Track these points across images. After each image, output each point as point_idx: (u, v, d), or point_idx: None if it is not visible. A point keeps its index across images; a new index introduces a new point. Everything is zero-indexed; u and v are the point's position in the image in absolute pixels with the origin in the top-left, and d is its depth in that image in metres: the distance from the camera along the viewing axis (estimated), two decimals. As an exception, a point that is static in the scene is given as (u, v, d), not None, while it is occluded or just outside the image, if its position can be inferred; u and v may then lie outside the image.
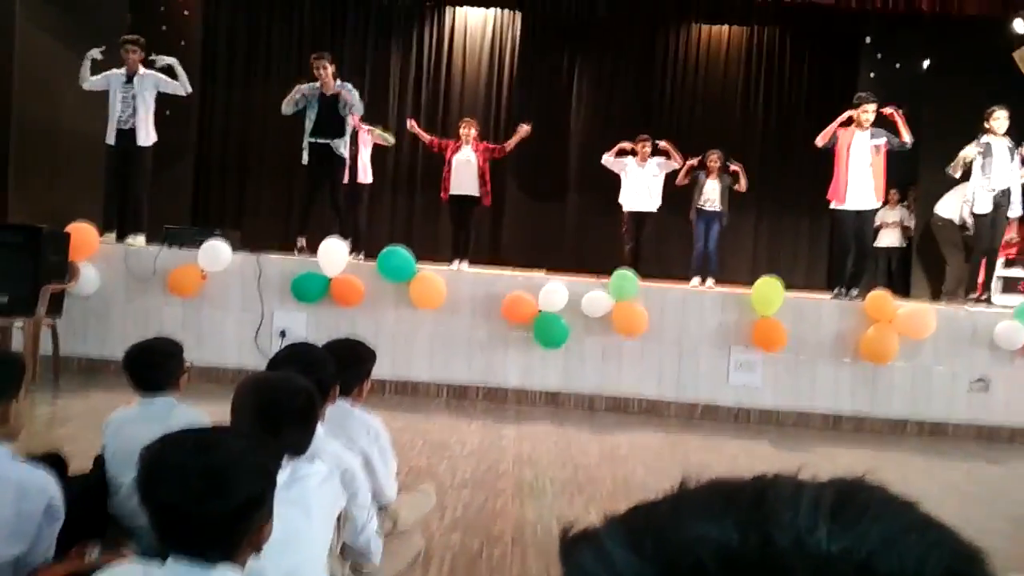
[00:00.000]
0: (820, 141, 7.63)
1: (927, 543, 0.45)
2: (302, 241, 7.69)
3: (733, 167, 8.68)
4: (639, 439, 6.20)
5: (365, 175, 8.73)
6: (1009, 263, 9.10)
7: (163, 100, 7.76)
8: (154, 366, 3.08)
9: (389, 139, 8.93)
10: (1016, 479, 5.88)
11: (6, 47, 8.51)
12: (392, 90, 11.79)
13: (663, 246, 9.64)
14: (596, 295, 6.99)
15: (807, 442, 6.54)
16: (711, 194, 8.70)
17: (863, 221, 7.64)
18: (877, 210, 7.90)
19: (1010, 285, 8.98)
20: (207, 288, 7.08)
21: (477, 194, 8.29)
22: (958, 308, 7.57)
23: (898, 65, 11.64)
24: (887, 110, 7.49)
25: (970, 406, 7.12)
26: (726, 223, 8.81)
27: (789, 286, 8.81)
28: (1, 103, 8.51)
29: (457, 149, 8.37)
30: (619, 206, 8.86)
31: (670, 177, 8.77)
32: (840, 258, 8.03)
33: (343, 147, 7.70)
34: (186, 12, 10.96)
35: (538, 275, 7.91)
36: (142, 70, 7.51)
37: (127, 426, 3.03)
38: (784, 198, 11.56)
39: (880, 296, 7.15)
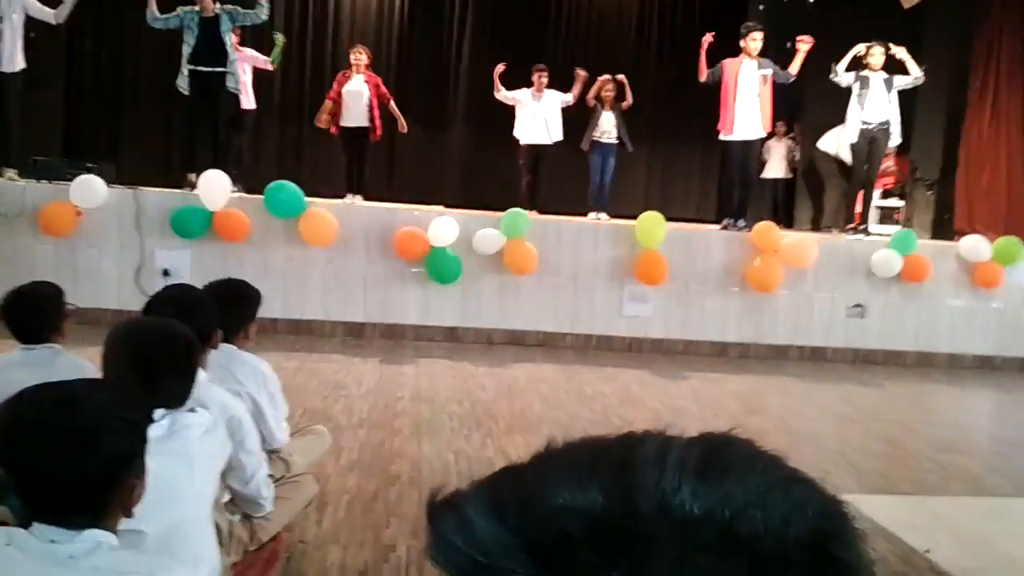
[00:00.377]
0: (702, 76, 7.72)
1: (791, 502, 0.45)
2: (192, 177, 7.30)
3: (618, 77, 8.53)
4: (536, 372, 6.27)
5: (248, 100, 8.31)
6: (886, 194, 9.50)
7: (30, 22, 7.17)
8: (34, 311, 2.89)
9: (276, 58, 8.38)
10: (889, 401, 6.24)
11: None
12: (278, 15, 11.23)
13: (562, 180, 9.62)
14: (488, 232, 6.94)
15: (696, 369, 6.75)
16: (606, 125, 8.58)
17: (749, 151, 7.80)
18: (764, 140, 8.08)
19: (887, 215, 9.40)
20: (82, 225, 6.68)
21: (368, 125, 8.07)
22: (837, 238, 7.88)
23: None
24: (805, 40, 7.58)
25: (847, 332, 7.48)
26: (628, 151, 8.70)
27: (681, 218, 9.01)
28: None
29: (347, 79, 8.10)
30: (515, 140, 8.73)
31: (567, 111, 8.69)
32: (728, 189, 8.20)
33: (232, 80, 7.29)
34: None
35: (434, 210, 7.80)
36: None
37: (6, 372, 2.84)
38: (677, 129, 11.68)
39: (766, 227, 7.36)
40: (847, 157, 8.97)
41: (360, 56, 8.10)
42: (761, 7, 11.87)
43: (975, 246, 7.46)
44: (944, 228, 9.37)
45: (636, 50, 11.99)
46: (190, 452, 1.95)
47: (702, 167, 12.08)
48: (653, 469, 0.45)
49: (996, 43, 9.20)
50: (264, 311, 6.58)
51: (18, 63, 7.02)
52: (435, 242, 6.85)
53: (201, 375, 2.54)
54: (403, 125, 8.28)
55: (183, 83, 7.23)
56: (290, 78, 11.09)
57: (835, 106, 9.37)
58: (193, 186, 7.14)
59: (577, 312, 7.29)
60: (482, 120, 11.50)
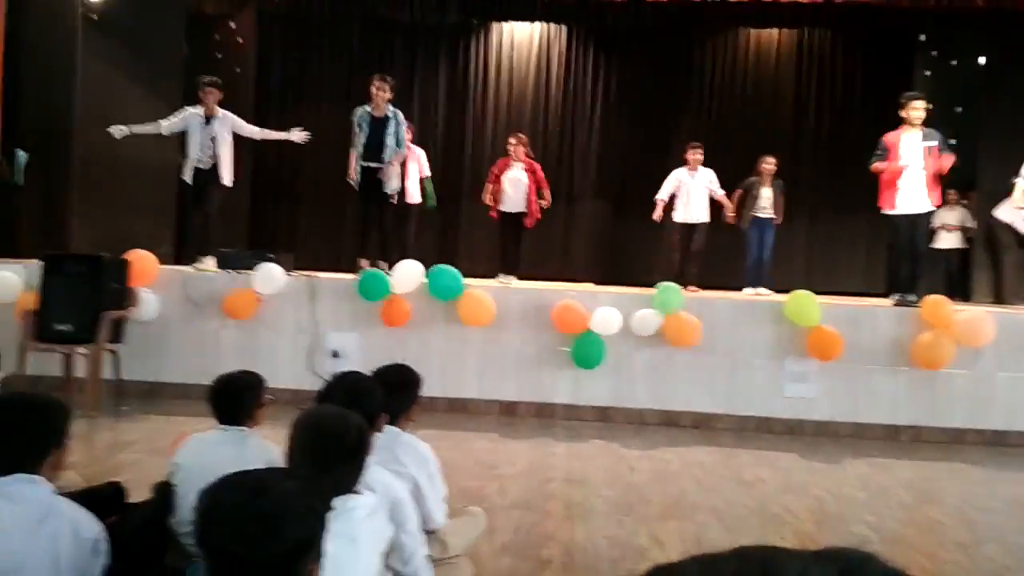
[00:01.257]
0: (739, 222, 7.98)
1: None
2: (365, 263, 7.81)
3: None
4: (690, 455, 6.16)
5: (413, 196, 8.84)
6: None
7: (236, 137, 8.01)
8: (233, 397, 3.21)
9: (430, 201, 9.00)
10: (1084, 491, 5.69)
11: (69, 78, 8.87)
12: (440, 110, 11.95)
13: (711, 257, 9.57)
14: (645, 313, 6.96)
15: (863, 454, 6.42)
16: (765, 201, 8.60)
17: (917, 225, 7.48)
18: (932, 212, 7.72)
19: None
20: (262, 311, 7.24)
21: (525, 211, 8.45)
22: (1020, 311, 7.36)
23: (954, 63, 11.37)
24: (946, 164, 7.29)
25: (1034, 414, 6.91)
26: (778, 223, 8.70)
27: (847, 292, 8.68)
28: (64, 133, 8.86)
29: (507, 166, 8.48)
30: (668, 218, 8.82)
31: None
32: (895, 263, 7.87)
33: (392, 177, 7.79)
34: (240, 39, 11.25)
35: (586, 288, 7.91)
36: (219, 112, 7.74)
37: (204, 447, 3.15)
38: (839, 202, 11.38)
39: (937, 300, 6.99)
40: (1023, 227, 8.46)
41: (518, 146, 8.48)
42: (927, 74, 11.48)
43: None
44: None
45: (794, 122, 11.84)
46: (356, 533, 2.09)
47: (868, 238, 11.65)
48: None
49: None
50: (424, 390, 6.89)
51: (230, 177, 7.83)
52: (596, 328, 6.91)
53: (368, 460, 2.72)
54: (548, 201, 8.57)
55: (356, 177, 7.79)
56: (451, 161, 11.71)
57: (1012, 172, 8.88)
58: (363, 270, 7.63)
59: (734, 391, 7.13)
60: (623, 197, 11.69)
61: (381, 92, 7.66)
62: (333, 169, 9.36)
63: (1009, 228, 9.15)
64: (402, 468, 3.13)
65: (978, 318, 6.92)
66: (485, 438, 6.37)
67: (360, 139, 7.74)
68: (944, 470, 6.10)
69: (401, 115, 7.86)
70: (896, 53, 11.45)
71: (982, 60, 11.08)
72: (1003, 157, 8.87)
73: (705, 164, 8.76)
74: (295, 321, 7.32)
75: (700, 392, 7.13)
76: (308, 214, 11.65)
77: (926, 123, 7.40)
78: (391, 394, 3.17)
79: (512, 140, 8.65)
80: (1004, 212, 9.21)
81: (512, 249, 8.67)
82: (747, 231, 8.63)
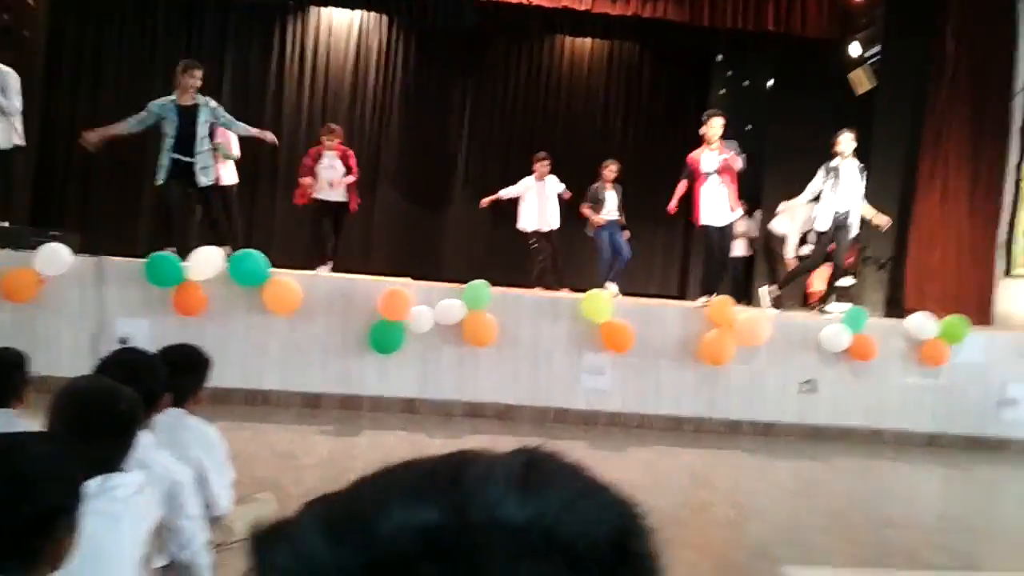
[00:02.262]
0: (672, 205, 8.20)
1: (598, 504, 0.51)
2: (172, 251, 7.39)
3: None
4: (490, 444, 6.17)
5: (229, 176, 8.47)
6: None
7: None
8: None
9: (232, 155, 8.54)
10: (836, 475, 6.35)
11: None
12: (252, 97, 11.53)
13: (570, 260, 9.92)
14: (449, 303, 7.06)
15: (650, 443, 6.83)
16: (611, 204, 8.97)
17: (724, 234, 8.12)
18: (734, 222, 8.38)
19: (841, 294, 9.66)
20: (43, 293, 6.71)
21: (344, 199, 8.36)
22: (790, 315, 8.09)
23: (746, 83, 12.32)
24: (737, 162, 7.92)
25: (799, 407, 7.62)
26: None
27: (644, 294, 9.21)
28: None
29: (320, 156, 8.33)
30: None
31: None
32: (708, 268, 8.49)
33: (207, 169, 7.31)
34: (32, 1, 10.33)
35: (399, 282, 7.91)
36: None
37: None
38: (641, 210, 11.99)
39: (722, 301, 7.55)
40: (811, 237, 9.33)
41: (331, 136, 8.37)
42: (722, 91, 12.39)
43: (922, 324, 7.68)
44: (895, 307, 9.63)
45: (602, 132, 12.37)
46: (118, 512, 2.01)
47: (664, 246, 12.40)
48: (482, 484, 0.49)
49: (945, 127, 9.61)
50: (221, 380, 6.62)
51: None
52: (416, 316, 6.95)
53: (147, 438, 2.61)
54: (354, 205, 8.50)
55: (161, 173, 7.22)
56: (263, 149, 11.33)
57: (792, 188, 9.74)
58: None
59: (535, 384, 7.38)
60: (435, 192, 11.83)
61: (190, 79, 7.19)
62: (127, 149, 8.77)
63: (782, 239, 10.05)
64: (186, 451, 3.03)
65: (756, 319, 7.54)
66: (285, 429, 6.25)
67: (169, 131, 7.16)
68: (721, 457, 6.61)
69: (213, 102, 7.43)
70: (696, 71, 12.26)
71: (771, 82, 12.09)
72: (786, 174, 9.73)
73: (515, 166, 9.06)
74: (80, 305, 6.84)
75: (504, 384, 7.33)
76: (101, 194, 10.88)
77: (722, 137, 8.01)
78: (177, 374, 3.06)
79: (325, 132, 8.52)
80: (780, 224, 10.10)
81: (328, 239, 8.52)
82: (597, 235, 8.99)
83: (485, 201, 9.16)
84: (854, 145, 8.11)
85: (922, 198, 9.83)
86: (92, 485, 1.95)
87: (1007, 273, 9.07)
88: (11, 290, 6.62)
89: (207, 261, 6.82)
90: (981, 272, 9.29)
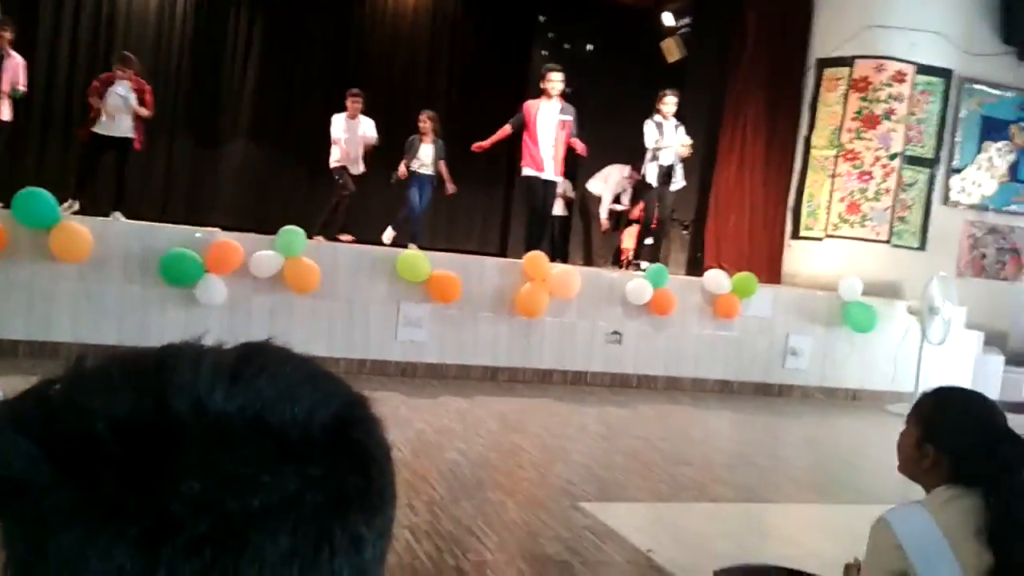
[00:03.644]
0: (487, 143, 8.19)
1: (318, 395, 0.50)
2: None
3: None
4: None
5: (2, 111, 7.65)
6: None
7: None
8: None
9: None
10: (638, 420, 6.71)
11: None
12: (44, 25, 10.50)
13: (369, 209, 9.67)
14: (264, 254, 6.82)
15: (466, 393, 6.94)
16: (425, 157, 8.76)
17: (548, 189, 8.23)
18: (558, 181, 8.50)
19: (648, 253, 10.16)
20: None
21: (131, 135, 7.75)
22: (599, 270, 8.43)
23: (567, 46, 12.57)
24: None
25: (606, 358, 7.98)
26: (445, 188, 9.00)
27: (465, 251, 9.23)
28: None
29: (110, 83, 7.67)
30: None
31: None
32: (529, 223, 8.59)
33: None
34: None
35: (203, 230, 7.53)
36: None
37: None
38: (461, 167, 12.02)
39: (536, 256, 7.72)
40: (607, 199, 9.73)
41: (125, 67, 7.72)
42: (544, 52, 12.57)
43: (717, 280, 8.22)
44: (696, 266, 10.26)
45: (426, 88, 12.24)
46: None
47: (486, 204, 12.52)
48: (187, 372, 0.47)
49: (744, 98, 10.24)
50: (3, 331, 6.11)
51: None
52: (254, 270, 6.76)
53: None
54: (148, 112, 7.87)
55: None
56: (56, 84, 10.41)
57: (605, 151, 10.10)
58: None
59: (352, 336, 7.28)
60: (263, 138, 11.35)
61: None
62: None
63: (598, 200, 10.43)
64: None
65: (568, 273, 7.78)
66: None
67: None
68: (533, 405, 6.81)
69: None
70: (519, 31, 12.37)
71: (590, 46, 12.41)
72: (600, 137, 10.06)
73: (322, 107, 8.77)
74: None
75: (319, 336, 7.17)
76: None
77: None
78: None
79: (118, 60, 7.84)
80: (594, 185, 10.46)
81: (117, 181, 7.91)
82: (407, 187, 8.80)
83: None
84: (675, 107, 8.52)
85: (721, 166, 10.48)
86: None
87: (794, 235, 9.85)
88: None
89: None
90: (771, 234, 10.04)
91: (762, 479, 5.37)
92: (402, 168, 8.79)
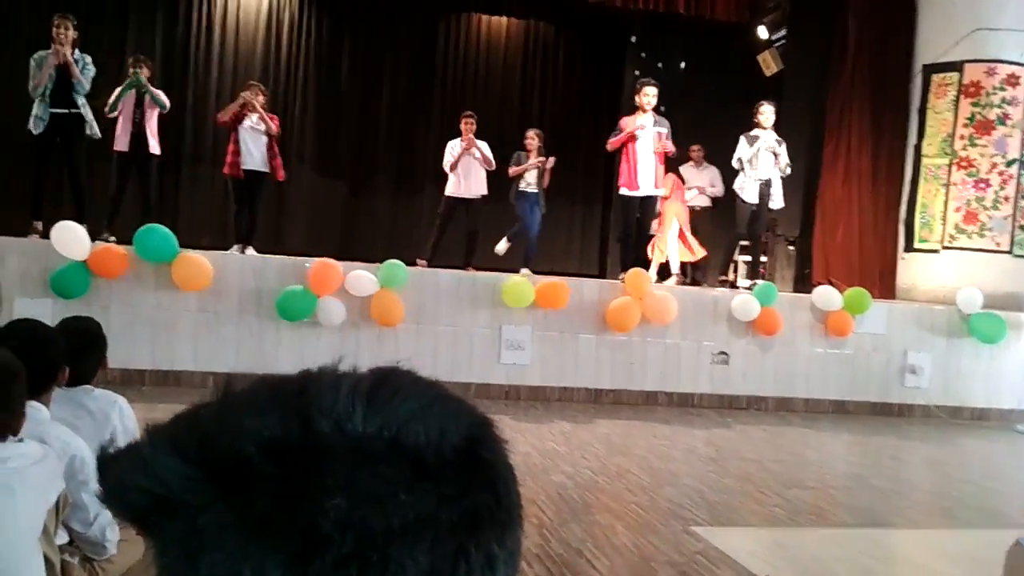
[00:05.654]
0: (612, 145, 7.99)
1: (448, 415, 0.51)
2: (39, 224, 7.10)
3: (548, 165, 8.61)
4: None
5: (155, 144, 7.82)
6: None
7: None
8: None
9: (163, 104, 7.88)
10: (748, 442, 6.54)
11: None
12: (156, 70, 11.07)
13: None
14: (363, 276, 6.99)
15: (568, 416, 6.92)
16: (530, 176, 8.54)
17: (648, 207, 8.14)
18: (658, 197, 8.38)
19: (752, 270, 9.94)
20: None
21: (266, 170, 7.86)
22: (705, 289, 8.29)
23: (660, 64, 12.49)
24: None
25: (713, 378, 7.82)
26: (543, 208, 8.63)
27: (564, 273, 9.17)
28: None
29: (242, 116, 7.77)
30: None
31: None
32: (623, 241, 8.52)
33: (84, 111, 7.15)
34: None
35: (314, 261, 7.77)
36: None
37: None
38: (556, 189, 12.05)
39: (638, 274, 7.65)
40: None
41: (257, 94, 7.84)
42: (637, 72, 12.51)
43: (827, 296, 7.96)
44: (804, 282, 9.96)
45: (520, 109, 12.36)
46: (12, 483, 1.94)
47: (583, 224, 12.51)
48: (329, 395, 0.49)
49: (847, 108, 9.94)
50: (131, 361, 6.43)
51: None
52: (351, 289, 6.91)
53: (43, 413, 2.51)
54: (281, 174, 8.08)
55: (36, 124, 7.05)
56: (170, 125, 10.95)
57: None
58: (40, 234, 6.95)
59: (457, 360, 7.37)
60: (357, 171, 11.64)
61: (63, 31, 6.97)
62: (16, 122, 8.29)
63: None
64: (93, 421, 2.94)
65: (665, 299, 7.53)
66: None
67: (47, 84, 6.99)
68: (638, 427, 6.73)
69: (89, 59, 7.19)
70: (611, 52, 12.37)
71: (683, 64, 12.30)
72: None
73: (435, 139, 8.77)
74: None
75: (423, 360, 7.27)
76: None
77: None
78: (80, 351, 2.95)
79: (251, 90, 7.88)
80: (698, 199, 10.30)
81: (245, 216, 7.96)
82: (518, 204, 8.54)
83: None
84: (774, 117, 8.31)
85: (827, 177, 10.17)
86: None
87: (908, 248, 9.47)
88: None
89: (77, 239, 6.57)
90: (883, 247, 9.67)
91: (883, 502, 5.14)
92: (518, 167, 8.49)
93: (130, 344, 6.65)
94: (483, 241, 8.68)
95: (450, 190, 8.52)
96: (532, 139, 8.61)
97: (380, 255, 7.81)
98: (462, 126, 8.49)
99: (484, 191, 8.48)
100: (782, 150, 8.38)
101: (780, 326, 7.74)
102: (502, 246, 8.79)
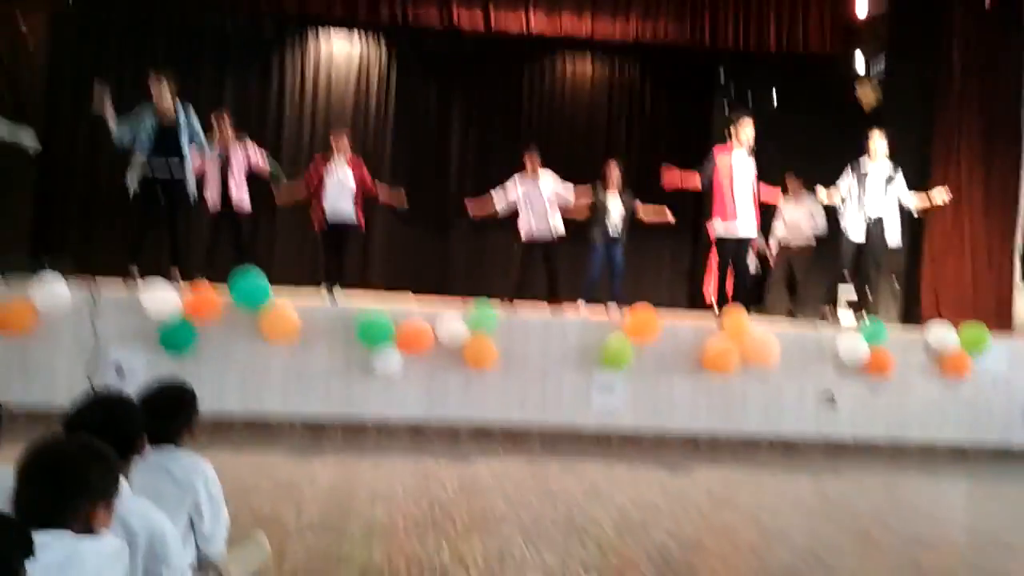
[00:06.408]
0: (695, 182, 7.76)
1: None
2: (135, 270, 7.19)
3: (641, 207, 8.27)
4: (500, 468, 6.09)
5: (242, 202, 7.89)
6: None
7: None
8: None
9: (279, 179, 8.09)
10: (861, 493, 6.09)
11: None
12: (252, 123, 11.30)
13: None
14: (453, 324, 6.86)
15: (665, 462, 6.60)
16: (615, 217, 8.01)
17: (744, 248, 7.81)
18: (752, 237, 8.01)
19: (853, 305, 9.44)
20: (37, 324, 6.52)
21: (353, 220, 7.84)
22: (803, 327, 7.86)
23: (749, 98, 12.12)
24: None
25: (818, 421, 7.38)
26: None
27: (655, 304, 8.77)
28: None
29: (327, 162, 7.82)
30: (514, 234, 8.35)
31: None
32: (720, 281, 8.24)
33: (183, 171, 7.16)
34: (24, 29, 10.12)
35: (400, 298, 7.68)
36: None
37: None
38: (645, 226, 11.77)
39: (737, 313, 7.31)
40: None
41: (342, 140, 7.86)
42: (727, 112, 12.17)
43: (942, 335, 7.47)
44: (911, 317, 9.41)
45: (606, 150, 12.12)
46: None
47: (672, 259, 12.16)
48: None
49: (956, 136, 9.40)
50: (222, 405, 6.48)
51: None
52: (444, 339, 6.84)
53: (123, 488, 2.41)
54: (402, 200, 8.16)
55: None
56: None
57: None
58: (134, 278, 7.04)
59: (545, 403, 7.15)
60: (444, 214, 11.57)
61: (158, 84, 7.04)
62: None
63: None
64: (177, 488, 2.84)
65: (766, 342, 7.15)
66: (287, 457, 6.02)
67: (143, 142, 7.04)
68: (739, 477, 6.37)
69: (191, 107, 7.25)
70: (699, 90, 12.07)
71: (774, 97, 11.90)
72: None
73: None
74: (74, 335, 6.64)
75: (511, 404, 7.10)
76: (101, 225, 10.62)
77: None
78: (162, 415, 2.88)
79: (335, 137, 7.94)
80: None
81: (334, 263, 7.97)
82: (593, 246, 8.09)
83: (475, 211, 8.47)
84: (884, 146, 7.87)
85: (936, 208, 9.62)
86: (58, 554, 1.77)
87: (1025, 279, 8.84)
88: (6, 323, 6.43)
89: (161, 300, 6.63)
90: (998, 279, 9.06)
91: (1018, 562, 4.66)
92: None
93: (221, 390, 6.67)
94: (566, 278, 8.39)
95: (523, 229, 8.18)
96: (612, 169, 8.25)
97: (459, 291, 7.62)
98: (526, 162, 8.21)
99: (558, 231, 8.12)
100: (899, 176, 7.92)
101: (891, 366, 7.27)
102: (582, 307, 8.19)
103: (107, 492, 1.96)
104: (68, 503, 1.87)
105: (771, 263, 9.85)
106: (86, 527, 1.90)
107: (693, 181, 7.86)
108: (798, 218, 9.28)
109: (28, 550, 1.44)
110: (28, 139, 6.82)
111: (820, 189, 8.05)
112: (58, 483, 1.86)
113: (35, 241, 9.98)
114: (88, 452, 1.97)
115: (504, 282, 8.79)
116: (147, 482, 2.65)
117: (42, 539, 1.76)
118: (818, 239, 9.40)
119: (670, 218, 8.43)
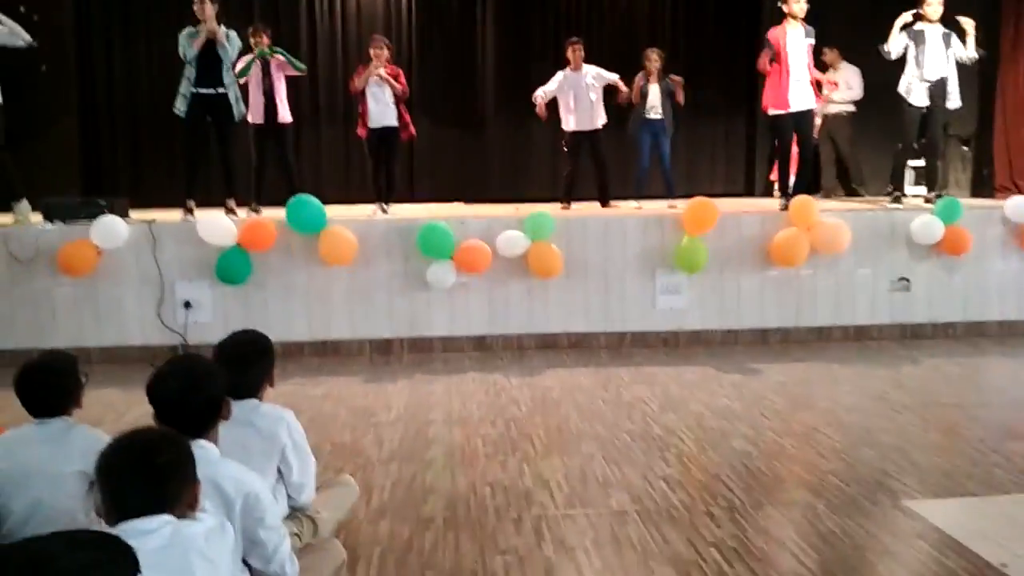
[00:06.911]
0: (764, 65, 7.42)
1: None
2: (192, 203, 7.19)
3: (673, 77, 8.19)
4: (570, 379, 6.06)
5: (286, 112, 7.89)
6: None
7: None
8: (48, 387, 2.83)
9: (300, 67, 7.96)
10: (943, 381, 5.93)
11: None
12: (285, 32, 10.99)
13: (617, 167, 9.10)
14: (511, 235, 6.73)
15: (735, 362, 6.50)
16: (654, 100, 8.15)
17: (805, 122, 7.51)
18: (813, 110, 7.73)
19: (920, 176, 9.06)
20: (99, 263, 6.58)
21: (396, 125, 7.82)
22: (874, 209, 7.56)
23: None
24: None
25: (892, 307, 7.18)
26: (670, 134, 8.32)
27: (710, 194, 8.56)
28: None
29: (368, 72, 7.75)
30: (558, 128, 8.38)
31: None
32: (781, 165, 7.98)
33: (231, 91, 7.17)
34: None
35: (453, 208, 7.52)
36: None
37: (20, 448, 2.77)
38: (696, 105, 11.29)
39: (804, 202, 7.04)
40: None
41: (381, 50, 7.77)
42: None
43: (1021, 207, 7.10)
44: (983, 186, 9.00)
45: (650, 27, 11.57)
46: (191, 567, 1.81)
47: (726, 142, 11.72)
48: None
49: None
50: (289, 334, 6.50)
51: None
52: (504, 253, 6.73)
53: (213, 452, 2.41)
54: (405, 134, 7.99)
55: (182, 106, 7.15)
56: (303, 84, 10.89)
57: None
58: (191, 211, 7.04)
59: (609, 309, 7.06)
60: (499, 113, 11.23)
61: (201, 6, 6.94)
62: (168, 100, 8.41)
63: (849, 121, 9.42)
64: (263, 442, 2.85)
65: (837, 228, 6.88)
66: (359, 383, 6.07)
67: (192, 64, 7.05)
68: (813, 371, 6.24)
69: (234, 34, 7.17)
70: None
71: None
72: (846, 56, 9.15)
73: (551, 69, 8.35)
74: (138, 272, 6.70)
75: (575, 312, 7.03)
76: (148, 150, 10.61)
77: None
78: (242, 371, 2.85)
79: (375, 47, 7.82)
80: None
81: (382, 174, 8.00)
82: (637, 137, 8.25)
83: (541, 111, 8.30)
84: (941, 9, 7.41)
85: (1006, 67, 9.04)
86: (162, 536, 1.79)
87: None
88: (70, 265, 6.49)
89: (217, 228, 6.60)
90: (1079, 141, 8.55)
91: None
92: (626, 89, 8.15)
93: (287, 318, 6.71)
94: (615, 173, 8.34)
95: (566, 124, 8.28)
96: (653, 60, 8.20)
97: (506, 192, 7.28)
98: (568, 53, 8.19)
99: (602, 120, 8.21)
100: (956, 43, 7.46)
101: (968, 245, 6.98)
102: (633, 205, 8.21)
103: (192, 475, 1.95)
104: (164, 492, 1.86)
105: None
106: (182, 511, 1.90)
107: (764, 65, 7.49)
108: (839, 83, 9.22)
109: (136, 569, 1.42)
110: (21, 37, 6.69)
111: (884, 46, 7.62)
112: (149, 477, 1.86)
113: (86, 178, 10.00)
114: (167, 441, 1.96)
115: (548, 179, 8.63)
116: (234, 439, 2.65)
117: (146, 525, 1.78)
118: (857, 105, 9.07)
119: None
